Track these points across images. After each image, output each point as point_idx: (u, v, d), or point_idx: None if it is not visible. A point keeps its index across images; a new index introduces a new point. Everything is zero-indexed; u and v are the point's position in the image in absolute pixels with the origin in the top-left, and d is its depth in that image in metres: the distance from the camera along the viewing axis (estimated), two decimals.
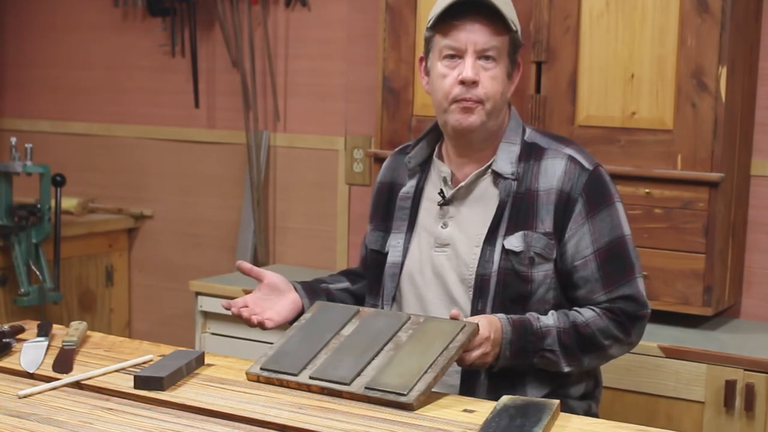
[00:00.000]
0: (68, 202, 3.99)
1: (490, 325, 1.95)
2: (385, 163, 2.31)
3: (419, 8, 3.08)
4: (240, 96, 3.87)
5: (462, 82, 2.02)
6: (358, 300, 2.29)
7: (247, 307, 2.10)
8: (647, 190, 2.77)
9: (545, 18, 2.87)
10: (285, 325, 2.10)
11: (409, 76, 3.11)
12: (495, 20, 2.03)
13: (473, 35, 2.02)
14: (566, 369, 2.04)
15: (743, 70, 2.85)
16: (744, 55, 2.84)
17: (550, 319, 2.03)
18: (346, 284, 2.30)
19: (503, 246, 2.04)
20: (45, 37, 4.38)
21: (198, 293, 3.40)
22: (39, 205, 3.65)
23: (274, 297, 2.15)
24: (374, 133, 3.26)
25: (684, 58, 2.71)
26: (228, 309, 2.11)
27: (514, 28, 2.06)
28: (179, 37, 4.02)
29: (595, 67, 2.83)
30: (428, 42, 2.10)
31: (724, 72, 2.67)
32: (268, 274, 2.17)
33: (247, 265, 2.14)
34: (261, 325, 2.09)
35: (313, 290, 2.21)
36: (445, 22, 2.04)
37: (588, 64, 2.84)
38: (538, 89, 2.90)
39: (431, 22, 2.06)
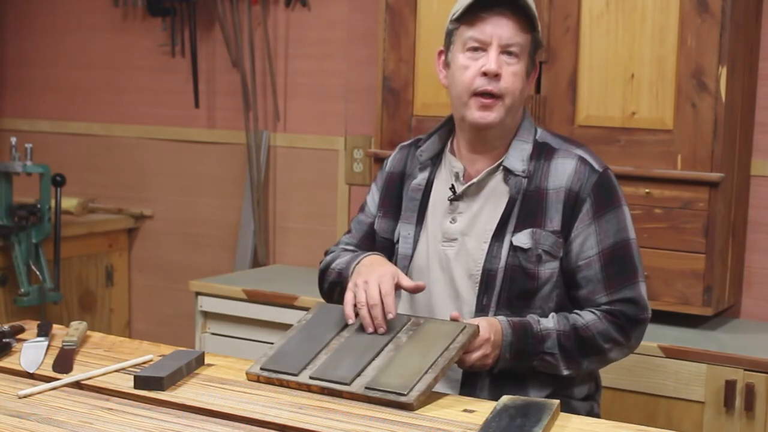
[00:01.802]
0: (68, 202, 3.99)
1: (491, 326, 1.96)
2: (394, 154, 2.29)
3: (419, 8, 3.08)
4: (240, 96, 3.87)
5: (484, 74, 2.03)
6: None
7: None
8: (647, 190, 2.77)
9: (545, 18, 2.86)
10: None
11: (409, 76, 3.11)
12: (521, 17, 2.04)
13: (499, 29, 2.03)
14: (565, 372, 2.04)
15: (743, 70, 2.84)
16: (744, 55, 2.84)
17: (550, 322, 2.03)
18: None
19: (511, 242, 2.04)
20: (45, 37, 4.38)
21: (198, 293, 3.39)
22: (39, 205, 3.65)
23: None
24: (374, 133, 3.26)
25: (684, 58, 2.71)
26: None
27: (538, 28, 2.08)
28: (179, 37, 4.02)
29: (595, 67, 2.83)
30: (450, 34, 2.10)
31: (724, 72, 2.67)
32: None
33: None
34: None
35: None
36: (472, 14, 2.04)
37: (588, 64, 2.84)
38: (538, 89, 2.90)
39: (457, 13, 2.07)
